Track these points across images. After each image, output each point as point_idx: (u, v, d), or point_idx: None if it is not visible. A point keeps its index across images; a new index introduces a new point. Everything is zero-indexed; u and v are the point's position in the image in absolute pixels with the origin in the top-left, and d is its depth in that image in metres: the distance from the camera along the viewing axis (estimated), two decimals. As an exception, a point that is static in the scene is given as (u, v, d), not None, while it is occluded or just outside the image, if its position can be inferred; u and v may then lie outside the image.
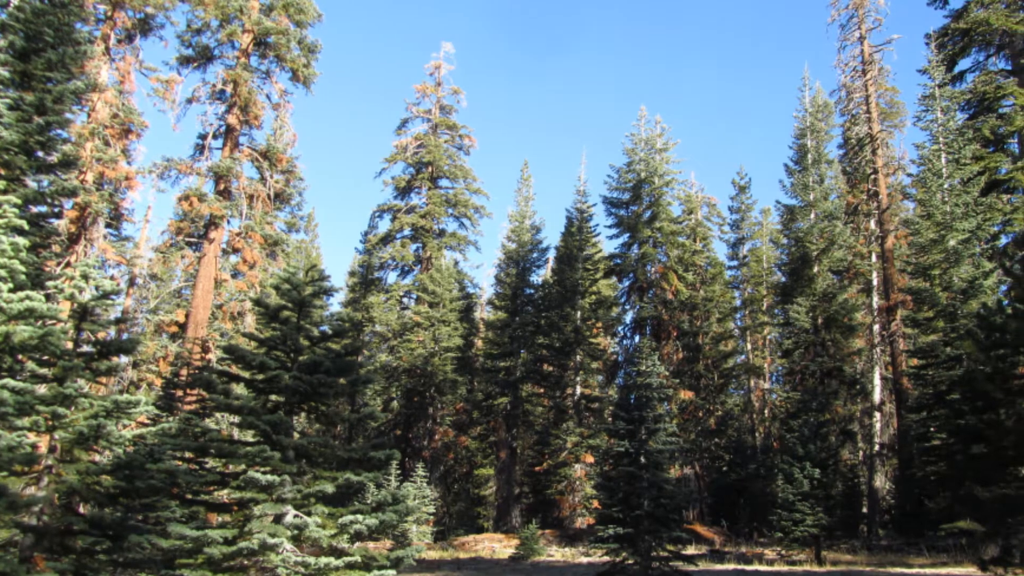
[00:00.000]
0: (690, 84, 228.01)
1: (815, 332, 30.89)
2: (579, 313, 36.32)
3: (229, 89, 27.18)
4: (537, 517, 33.53)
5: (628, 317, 40.45)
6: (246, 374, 12.05)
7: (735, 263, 45.43)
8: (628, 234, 40.21)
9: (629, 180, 40.63)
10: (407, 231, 43.26)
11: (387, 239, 43.07)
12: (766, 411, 42.76)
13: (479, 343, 45.52)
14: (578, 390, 35.85)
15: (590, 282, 37.21)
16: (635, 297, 39.98)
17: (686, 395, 36.79)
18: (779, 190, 50.19)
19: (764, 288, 43.60)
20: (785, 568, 20.63)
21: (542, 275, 44.20)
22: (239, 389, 13.06)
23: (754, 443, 39.68)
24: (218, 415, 21.99)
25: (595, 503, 25.10)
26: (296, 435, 11.87)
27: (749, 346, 44.57)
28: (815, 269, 31.59)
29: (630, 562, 16.71)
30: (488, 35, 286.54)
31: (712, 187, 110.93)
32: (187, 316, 26.19)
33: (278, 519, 10.56)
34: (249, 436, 13.76)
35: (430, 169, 44.65)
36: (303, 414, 12.63)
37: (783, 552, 22.53)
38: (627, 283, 40.85)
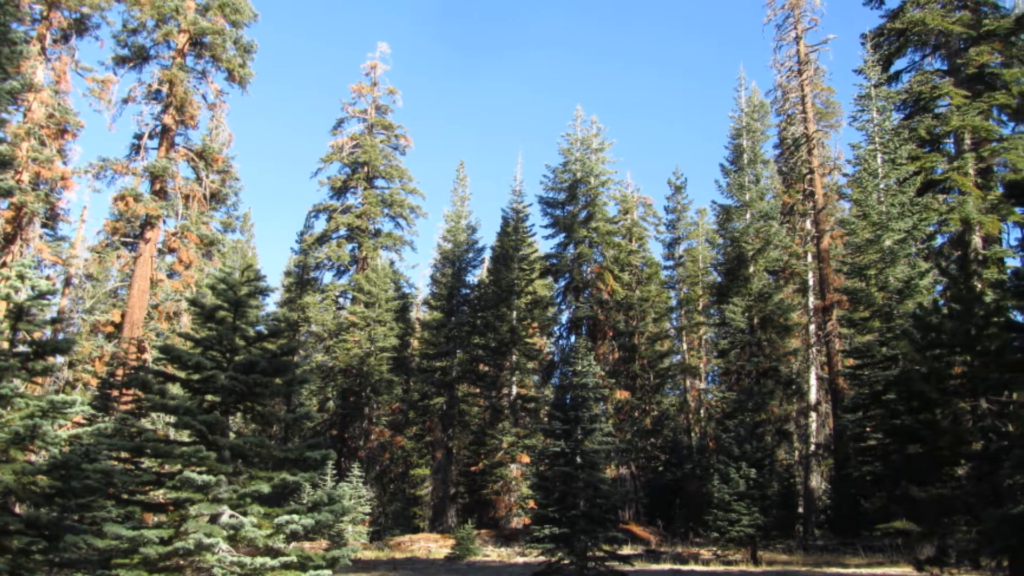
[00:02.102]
0: (627, 84, 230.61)
1: (751, 332, 31.18)
2: (515, 313, 36.66)
3: (165, 89, 26.93)
4: (473, 517, 33.78)
5: (564, 317, 40.83)
6: (182, 374, 12.14)
7: (671, 263, 45.84)
8: (564, 234, 40.55)
9: (565, 180, 40.98)
10: (343, 231, 43.19)
11: (323, 239, 42.93)
12: (702, 411, 43.30)
13: (415, 343, 45.62)
14: (514, 390, 36.21)
15: (526, 282, 37.53)
16: (571, 297, 40.40)
17: (622, 395, 37.23)
18: (715, 190, 51.03)
19: (700, 288, 44.05)
20: (721, 568, 20.86)
21: (478, 275, 44.51)
22: (175, 389, 13.12)
23: (690, 443, 40.22)
24: (154, 415, 21.81)
25: (531, 503, 25.38)
26: (232, 435, 12.00)
27: (685, 346, 45.07)
28: (751, 269, 31.90)
29: (566, 562, 16.82)
30: (425, 35, 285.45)
31: (648, 187, 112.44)
32: (123, 316, 25.88)
33: (214, 519, 10.69)
34: (185, 436, 13.84)
35: (366, 169, 44.63)
36: (239, 414, 12.76)
37: (719, 552, 22.64)
38: (563, 283, 41.20)
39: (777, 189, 35.30)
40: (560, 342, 41.47)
